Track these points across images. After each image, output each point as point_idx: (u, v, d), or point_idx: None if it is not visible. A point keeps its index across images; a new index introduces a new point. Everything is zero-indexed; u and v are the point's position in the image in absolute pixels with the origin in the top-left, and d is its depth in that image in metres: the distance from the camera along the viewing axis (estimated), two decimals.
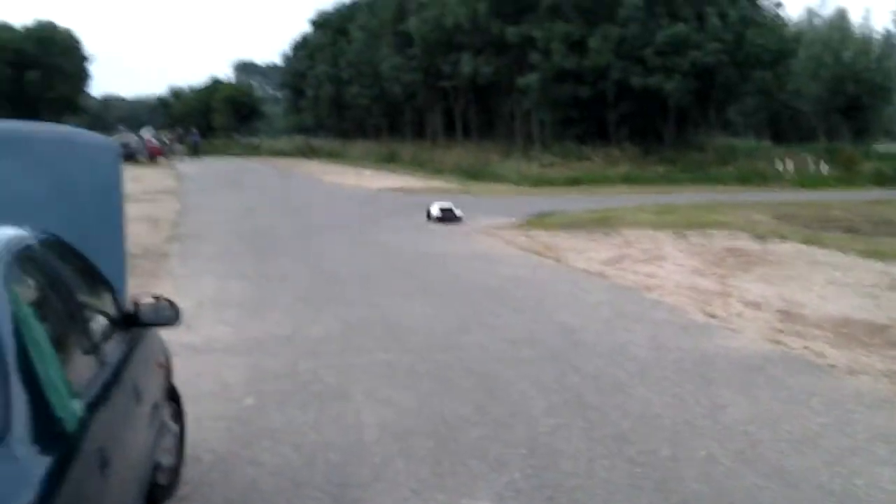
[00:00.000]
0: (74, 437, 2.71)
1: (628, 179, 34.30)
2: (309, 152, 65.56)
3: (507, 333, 8.94)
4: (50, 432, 2.60)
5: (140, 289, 10.82)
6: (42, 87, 71.88)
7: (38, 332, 2.83)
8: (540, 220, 19.97)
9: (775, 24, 39.80)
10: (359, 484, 5.12)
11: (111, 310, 4.10)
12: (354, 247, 15.65)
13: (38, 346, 2.76)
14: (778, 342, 8.63)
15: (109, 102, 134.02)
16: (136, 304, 4.28)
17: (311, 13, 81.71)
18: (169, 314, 4.33)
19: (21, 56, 71.91)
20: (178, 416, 5.08)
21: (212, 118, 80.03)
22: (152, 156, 51.05)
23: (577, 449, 5.66)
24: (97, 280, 4.12)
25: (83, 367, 3.27)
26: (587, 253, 14.74)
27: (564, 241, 16.25)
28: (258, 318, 9.70)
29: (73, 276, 3.84)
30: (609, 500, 4.90)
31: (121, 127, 75.86)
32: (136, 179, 32.33)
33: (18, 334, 2.66)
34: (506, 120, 49.81)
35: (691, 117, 42.66)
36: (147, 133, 57.83)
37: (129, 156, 49.49)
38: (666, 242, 15.96)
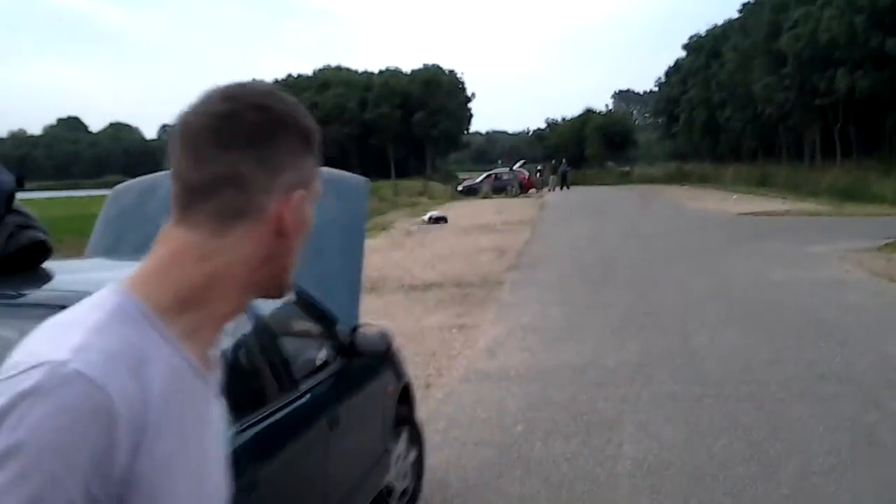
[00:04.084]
0: None
1: None
2: (680, 178, 64.71)
3: (820, 367, 8.29)
4: None
5: (462, 317, 11.39)
6: (427, 126, 77.00)
7: None
8: None
9: None
10: None
11: (325, 340, 4.35)
12: (691, 275, 15.20)
13: None
14: None
15: (493, 137, 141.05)
16: (354, 335, 4.50)
17: (686, 38, 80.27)
18: (381, 344, 4.51)
19: (409, 98, 77.63)
20: (416, 441, 5.24)
21: (584, 148, 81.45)
22: (523, 187, 52.86)
23: (846, 492, 5.15)
24: (314, 312, 4.39)
25: (260, 395, 3.51)
26: None
27: None
28: (561, 346, 9.76)
29: (281, 308, 4.13)
30: None
31: (499, 161, 79.49)
32: (499, 211, 33.78)
33: None
34: (888, 136, 46.07)
35: None
36: (518, 166, 60.00)
37: (500, 188, 51.83)
38: None
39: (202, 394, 1.16)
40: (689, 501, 5.19)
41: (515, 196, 49.42)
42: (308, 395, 3.82)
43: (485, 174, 57.86)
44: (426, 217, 30.12)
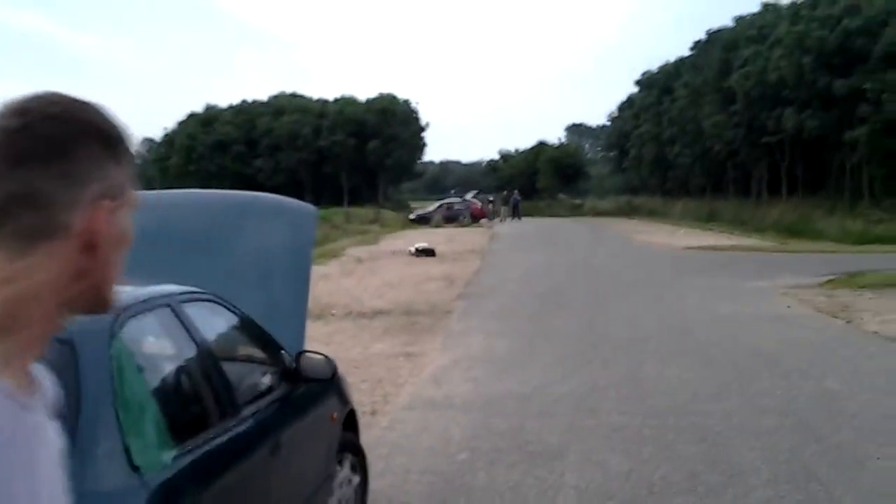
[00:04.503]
0: (158, 484, 2.91)
1: None
2: (630, 211, 65.44)
3: (761, 401, 8.42)
4: (123, 479, 2.82)
5: (409, 346, 11.40)
6: (381, 154, 77.04)
7: (135, 384, 3.09)
8: (849, 280, 18.62)
9: None
10: None
11: (269, 366, 4.35)
12: (638, 308, 15.36)
13: (129, 397, 3.01)
14: None
15: (447, 167, 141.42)
16: (299, 361, 4.51)
17: (639, 74, 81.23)
18: (325, 370, 4.53)
19: (364, 126, 77.63)
20: (360, 467, 5.23)
21: (536, 180, 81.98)
22: (474, 217, 53.13)
23: None
24: (258, 338, 4.40)
25: (203, 420, 3.49)
26: (886, 315, 13.52)
27: (866, 302, 15.03)
28: (507, 375, 9.80)
29: (224, 332, 4.15)
30: None
31: (452, 191, 79.72)
32: (451, 240, 33.86)
33: (105, 385, 2.91)
34: (834, 175, 47.02)
35: None
36: (471, 196, 60.28)
37: (452, 218, 52.04)
38: None
39: (30, 423, 1.09)
40: None
41: (467, 226, 49.62)
42: (251, 421, 3.82)
43: (437, 203, 58.08)
44: (413, 249, 27.70)
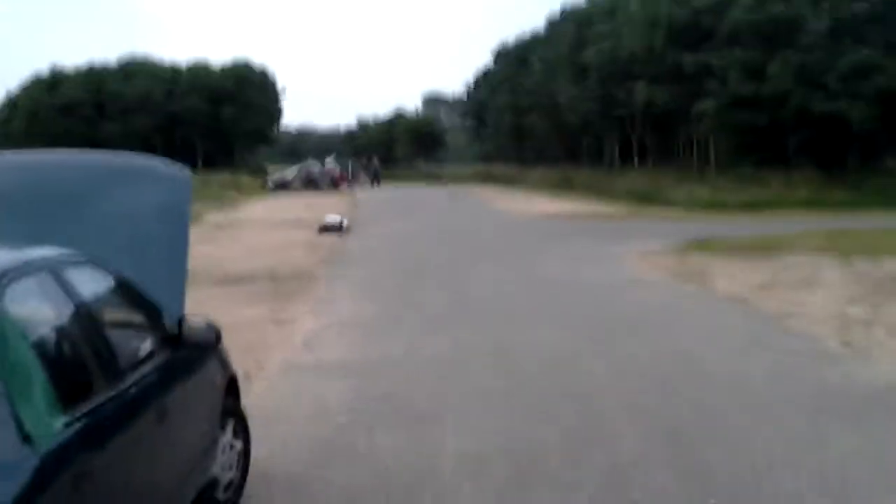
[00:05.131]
0: (48, 452, 2.81)
1: (808, 204, 32.66)
2: (487, 179, 66.20)
3: (626, 362, 8.70)
4: (15, 447, 2.71)
5: (277, 312, 11.28)
6: (237, 120, 75.46)
7: (20, 350, 2.96)
8: (700, 245, 19.35)
9: None
10: None
11: (152, 331, 4.25)
12: (501, 272, 15.62)
13: (14, 363, 2.89)
14: None
15: (304, 134, 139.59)
16: (181, 326, 4.41)
17: (495, 45, 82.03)
18: (210, 335, 4.46)
19: (218, 92, 75.84)
20: (242, 432, 5.17)
21: (394, 148, 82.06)
22: (334, 183, 52.81)
23: (654, 478, 5.44)
24: (139, 303, 4.29)
25: (88, 386, 3.38)
26: (737, 278, 14.17)
27: (717, 267, 15.67)
28: (378, 340, 9.84)
29: (105, 297, 4.03)
30: None
31: (309, 157, 78.87)
32: (310, 206, 33.56)
33: None
34: (682, 146, 48.82)
35: (879, 142, 40.47)
36: (330, 162, 59.82)
37: (311, 183, 51.57)
38: (827, 268, 15.13)
39: None
40: (511, 490, 5.34)
41: (327, 192, 49.26)
42: (136, 387, 3.73)
43: (296, 168, 57.41)
44: (326, 221, 24.03)
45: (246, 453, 5.19)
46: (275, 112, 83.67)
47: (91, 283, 3.85)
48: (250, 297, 12.78)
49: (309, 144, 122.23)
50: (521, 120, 67.58)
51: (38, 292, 3.38)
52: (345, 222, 23.90)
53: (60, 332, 3.44)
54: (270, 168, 69.75)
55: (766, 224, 25.67)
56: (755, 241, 19.47)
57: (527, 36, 72.49)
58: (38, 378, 2.96)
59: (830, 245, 18.29)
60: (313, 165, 57.50)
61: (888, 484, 5.37)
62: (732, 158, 41.41)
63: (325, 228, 23.04)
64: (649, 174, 44.79)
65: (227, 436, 4.97)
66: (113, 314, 4.03)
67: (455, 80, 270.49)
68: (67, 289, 3.54)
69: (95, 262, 3.99)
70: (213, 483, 4.76)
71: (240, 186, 50.75)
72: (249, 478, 5.21)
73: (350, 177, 58.86)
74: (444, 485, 5.45)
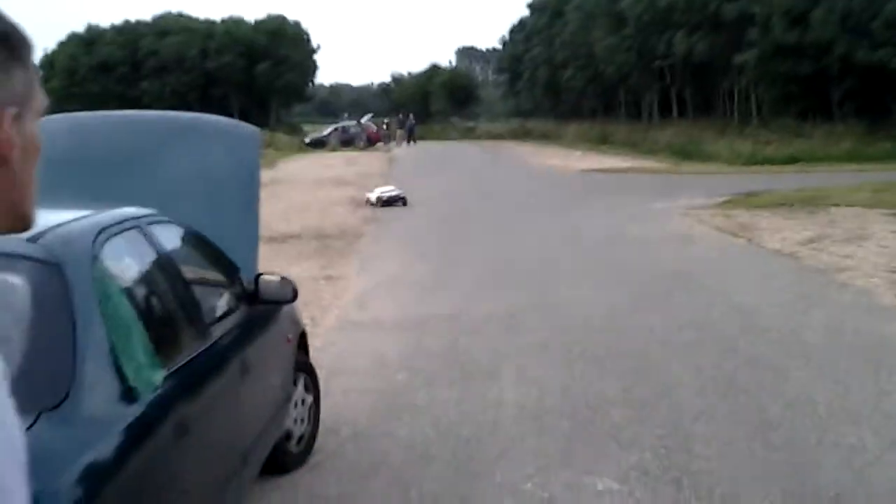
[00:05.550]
0: (149, 405, 2.91)
1: (852, 157, 32.27)
2: (523, 135, 65.88)
3: (678, 317, 8.71)
4: (120, 400, 2.81)
5: (326, 269, 11.39)
6: (271, 77, 75.45)
7: (121, 306, 3.05)
8: (744, 200, 19.27)
9: None
10: (485, 459, 5.19)
11: (231, 288, 4.33)
12: (545, 230, 15.62)
13: (117, 319, 2.97)
14: None
15: (337, 90, 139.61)
16: (258, 283, 4.50)
17: None
18: (286, 292, 4.53)
19: (252, 48, 75.84)
20: (313, 387, 5.28)
21: (430, 103, 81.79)
22: (370, 141, 52.78)
23: (716, 432, 5.49)
24: (217, 260, 4.38)
25: (180, 341, 3.48)
26: (784, 233, 14.08)
27: (763, 221, 15.59)
28: (429, 297, 9.92)
29: (188, 255, 4.13)
30: (736, 486, 4.74)
31: (345, 114, 78.82)
32: (350, 163, 33.67)
33: (94, 307, 2.86)
34: (723, 98, 48.28)
35: None
36: (366, 119, 59.76)
37: (348, 141, 51.58)
38: (875, 222, 14.99)
39: None
40: (573, 443, 5.41)
41: (363, 150, 49.27)
42: (221, 342, 3.82)
43: (332, 127, 57.43)
44: (372, 197, 19.88)
45: (317, 407, 5.30)
46: (309, 68, 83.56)
47: (175, 242, 3.95)
48: (297, 254, 12.89)
49: (343, 101, 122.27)
50: (556, 73, 67.05)
51: (131, 250, 3.46)
52: (403, 196, 19.65)
53: (154, 288, 3.54)
54: (305, 126, 69.88)
55: (809, 177, 25.36)
56: (800, 196, 19.27)
57: None
58: (139, 333, 3.04)
59: (877, 199, 18.09)
60: (349, 123, 57.49)
61: None
62: (774, 110, 40.87)
63: (385, 202, 18.91)
64: (689, 128, 44.37)
65: (300, 390, 5.08)
66: (196, 272, 4.12)
67: (490, 35, 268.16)
68: (156, 247, 3.62)
69: (176, 221, 4.07)
70: (287, 436, 4.88)
71: (277, 145, 50.87)
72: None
73: (386, 134, 58.75)
74: (504, 435, 5.54)
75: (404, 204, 18.18)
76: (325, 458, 5.22)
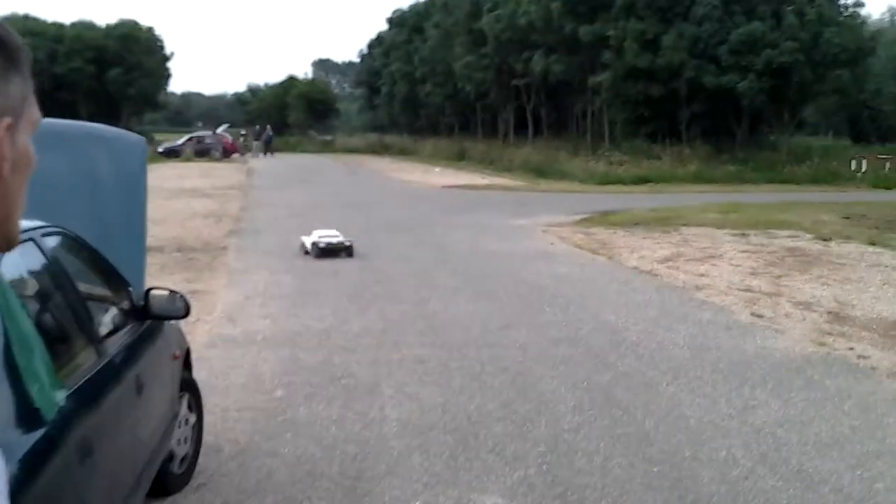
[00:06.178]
0: (53, 426, 2.79)
1: (698, 178, 33.78)
2: (381, 149, 66.00)
3: (550, 332, 8.90)
4: (25, 422, 2.68)
5: (192, 283, 11.13)
6: (123, 83, 73.18)
7: (23, 324, 2.91)
8: (601, 218, 19.88)
9: (853, 23, 38.83)
10: (372, 477, 5.17)
11: (120, 303, 4.20)
12: (411, 245, 15.68)
13: (20, 337, 2.84)
14: (822, 343, 8.46)
15: (190, 99, 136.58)
16: (148, 298, 4.37)
17: (389, 12, 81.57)
18: (178, 307, 4.42)
19: (103, 54, 73.35)
20: (196, 406, 5.16)
21: (287, 115, 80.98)
22: (226, 152, 51.86)
23: (596, 447, 5.63)
24: (107, 273, 4.24)
25: (77, 358, 3.36)
26: (642, 251, 14.60)
27: (621, 240, 16.12)
28: (301, 311, 9.82)
29: (80, 269, 3.97)
30: (620, 500, 4.87)
31: (198, 124, 77.24)
32: (206, 175, 33.04)
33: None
34: (577, 118, 49.60)
35: (765, 116, 42.04)
36: (222, 129, 58.71)
37: (203, 151, 50.54)
38: (725, 241, 15.73)
39: None
40: (458, 460, 5.45)
41: (219, 161, 48.36)
42: (117, 359, 3.70)
43: (186, 137, 56.14)
44: (307, 242, 14.38)
45: (200, 426, 5.18)
46: (163, 76, 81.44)
47: (69, 254, 3.80)
48: (161, 267, 12.52)
49: (195, 110, 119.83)
50: (415, 89, 67.45)
51: (27, 263, 3.32)
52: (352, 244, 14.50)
53: (52, 303, 3.40)
54: (157, 135, 68.07)
55: (660, 197, 26.40)
56: (654, 216, 20.02)
57: (422, 3, 72.18)
58: (40, 351, 2.92)
59: (724, 219, 19.00)
60: (205, 133, 56.36)
61: (816, 447, 5.68)
62: (626, 132, 42.24)
63: (323, 251, 14.00)
64: (544, 147, 45.34)
65: (184, 409, 4.95)
66: (90, 286, 3.97)
67: (347, 48, 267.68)
68: (51, 260, 3.48)
69: (69, 232, 3.92)
70: (170, 457, 4.74)
71: None
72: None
73: (243, 145, 57.82)
74: (389, 452, 5.53)
75: (349, 255, 14.16)
76: (208, 478, 5.10)
